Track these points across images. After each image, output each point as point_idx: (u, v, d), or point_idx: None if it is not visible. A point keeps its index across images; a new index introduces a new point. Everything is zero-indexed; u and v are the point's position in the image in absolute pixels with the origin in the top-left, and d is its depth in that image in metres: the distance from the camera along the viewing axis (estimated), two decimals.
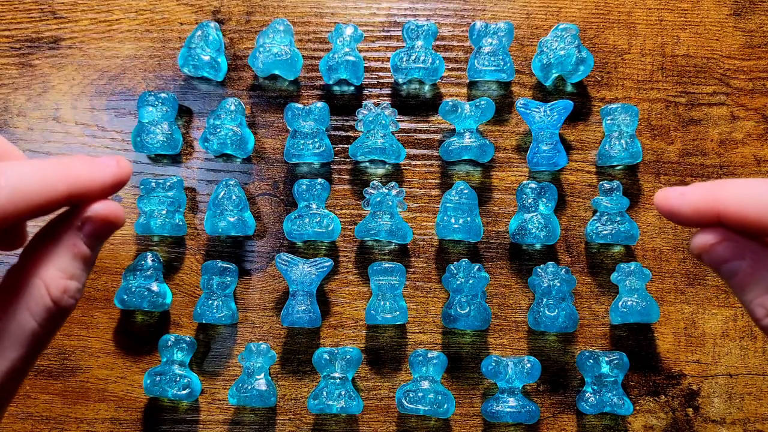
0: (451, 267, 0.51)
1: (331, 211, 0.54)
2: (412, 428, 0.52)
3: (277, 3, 0.58)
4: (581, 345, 0.53)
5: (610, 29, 0.57)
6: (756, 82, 0.56)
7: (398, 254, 0.54)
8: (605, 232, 0.52)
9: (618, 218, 0.52)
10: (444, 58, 0.56)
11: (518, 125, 0.56)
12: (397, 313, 0.51)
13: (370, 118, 0.53)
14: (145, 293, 0.52)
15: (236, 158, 0.56)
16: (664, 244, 0.54)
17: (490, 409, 0.50)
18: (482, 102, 0.53)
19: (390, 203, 0.52)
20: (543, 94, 0.56)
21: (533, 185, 0.52)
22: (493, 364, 0.50)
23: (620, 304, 0.51)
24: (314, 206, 0.53)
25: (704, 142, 0.56)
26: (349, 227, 0.55)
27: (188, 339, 0.52)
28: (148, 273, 0.52)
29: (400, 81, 0.56)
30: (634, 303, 0.51)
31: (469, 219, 0.52)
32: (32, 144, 0.56)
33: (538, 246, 0.54)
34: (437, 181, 0.55)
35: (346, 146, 0.56)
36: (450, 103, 0.53)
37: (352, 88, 0.57)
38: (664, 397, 0.52)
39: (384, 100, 0.56)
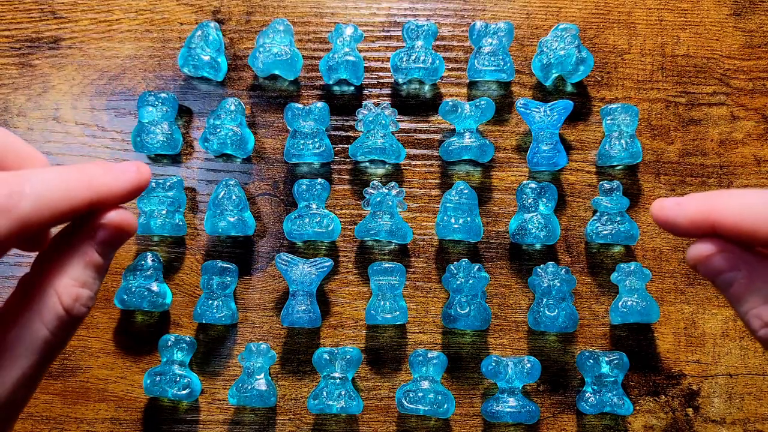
0: (451, 267, 0.51)
1: (331, 211, 0.54)
2: (412, 428, 0.52)
3: (277, 3, 0.58)
4: (581, 345, 0.53)
5: (610, 29, 0.57)
6: (756, 82, 0.56)
7: (398, 254, 0.54)
8: (605, 232, 0.52)
9: (618, 218, 0.52)
10: (444, 58, 0.56)
11: (518, 125, 0.56)
12: (397, 313, 0.51)
13: (370, 118, 0.53)
14: (145, 293, 0.52)
15: (236, 158, 0.56)
16: (664, 244, 0.54)
17: (490, 409, 0.50)
18: (482, 102, 0.53)
19: (390, 203, 0.52)
20: (543, 94, 0.56)
21: (533, 185, 0.52)
22: (493, 364, 0.50)
23: (620, 304, 0.51)
24: (314, 206, 0.53)
25: (704, 142, 0.56)
26: (349, 227, 0.55)
27: (188, 339, 0.52)
28: (148, 273, 0.52)
29: (400, 81, 0.56)
30: (634, 303, 0.51)
31: (469, 219, 0.52)
32: (32, 144, 0.55)
33: (538, 246, 0.54)
34: (437, 181, 0.55)
35: (346, 146, 0.56)
36: (450, 103, 0.53)
37: (352, 88, 0.57)
38: (664, 397, 0.52)
39: (384, 100, 0.56)
